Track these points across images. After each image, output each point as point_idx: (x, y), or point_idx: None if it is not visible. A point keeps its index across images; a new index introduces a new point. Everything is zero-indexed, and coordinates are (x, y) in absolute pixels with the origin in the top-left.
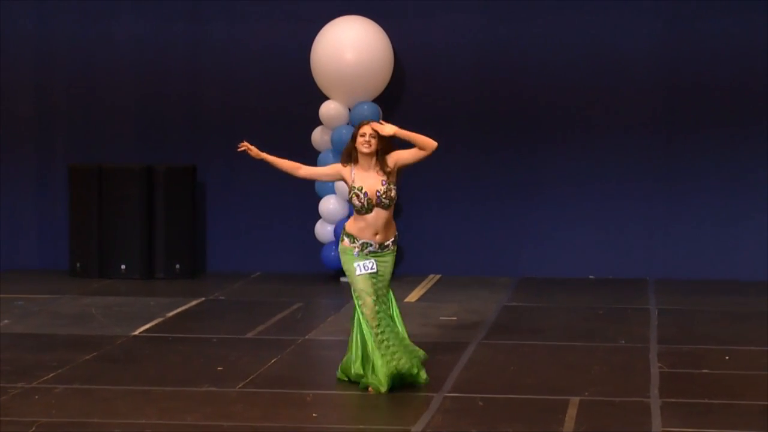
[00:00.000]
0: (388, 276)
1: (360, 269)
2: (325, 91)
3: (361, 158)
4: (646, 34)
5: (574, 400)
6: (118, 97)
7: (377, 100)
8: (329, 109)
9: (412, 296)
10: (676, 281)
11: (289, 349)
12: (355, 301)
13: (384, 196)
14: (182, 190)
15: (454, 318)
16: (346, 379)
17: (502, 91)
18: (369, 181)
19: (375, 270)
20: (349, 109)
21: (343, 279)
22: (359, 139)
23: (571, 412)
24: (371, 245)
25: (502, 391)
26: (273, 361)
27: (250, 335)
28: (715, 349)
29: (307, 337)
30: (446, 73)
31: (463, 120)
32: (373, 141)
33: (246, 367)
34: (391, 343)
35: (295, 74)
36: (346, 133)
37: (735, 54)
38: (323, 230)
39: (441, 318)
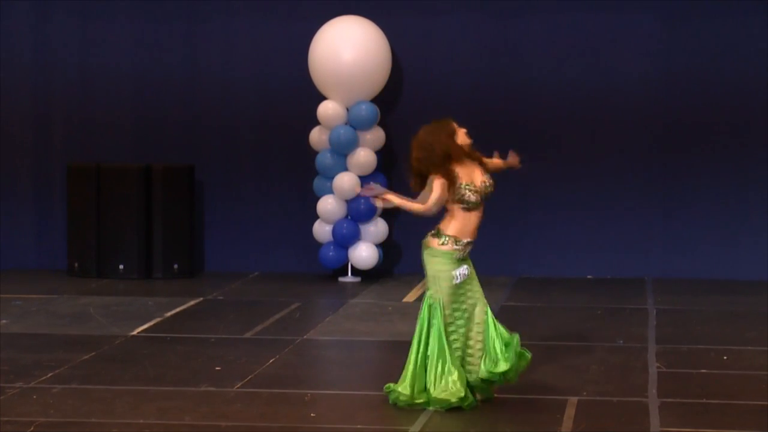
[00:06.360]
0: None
1: (458, 277)
2: (323, 90)
3: (459, 156)
4: (645, 39)
5: (573, 400)
6: (116, 96)
7: (375, 100)
8: (327, 109)
9: (411, 296)
10: (674, 281)
11: (287, 348)
12: (429, 311)
13: (489, 186)
14: (180, 190)
15: None
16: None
17: (500, 89)
18: (473, 174)
19: (467, 274)
20: (347, 109)
21: (342, 278)
22: (462, 132)
23: (570, 412)
24: (471, 244)
25: (500, 390)
26: (271, 360)
27: (248, 335)
28: (714, 348)
29: (305, 336)
30: (444, 73)
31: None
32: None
33: (244, 366)
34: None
35: (293, 74)
36: (344, 133)
37: (734, 60)
38: (321, 230)
39: None
